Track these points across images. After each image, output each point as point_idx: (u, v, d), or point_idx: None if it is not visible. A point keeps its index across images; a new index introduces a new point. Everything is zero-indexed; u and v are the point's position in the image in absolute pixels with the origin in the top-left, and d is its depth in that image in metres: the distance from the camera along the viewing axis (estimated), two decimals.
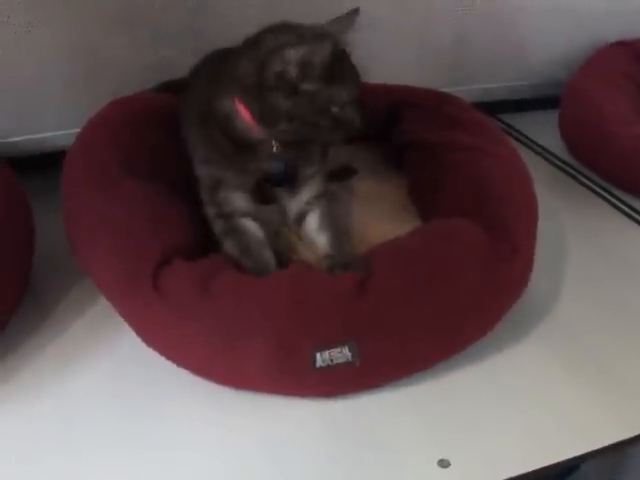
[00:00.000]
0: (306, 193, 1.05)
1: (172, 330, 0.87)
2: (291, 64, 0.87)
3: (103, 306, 0.97)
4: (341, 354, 0.82)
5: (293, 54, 0.87)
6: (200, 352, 0.86)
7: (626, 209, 1.37)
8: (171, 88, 1.28)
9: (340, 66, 0.90)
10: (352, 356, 0.83)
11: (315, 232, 1.04)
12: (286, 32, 0.93)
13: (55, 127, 1.32)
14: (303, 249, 1.06)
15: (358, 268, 0.91)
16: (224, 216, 1.02)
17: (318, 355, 0.82)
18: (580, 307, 1.08)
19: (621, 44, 1.63)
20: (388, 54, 1.51)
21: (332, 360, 0.82)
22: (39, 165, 1.25)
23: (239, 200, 1.01)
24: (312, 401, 0.88)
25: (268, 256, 0.99)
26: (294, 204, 1.06)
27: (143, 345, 0.91)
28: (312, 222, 1.05)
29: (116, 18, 1.27)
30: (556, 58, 1.69)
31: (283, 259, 1.02)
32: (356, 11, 0.93)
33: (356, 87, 0.92)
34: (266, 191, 1.04)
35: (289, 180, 1.03)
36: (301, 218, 1.06)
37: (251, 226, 1.02)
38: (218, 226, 1.02)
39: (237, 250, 1.00)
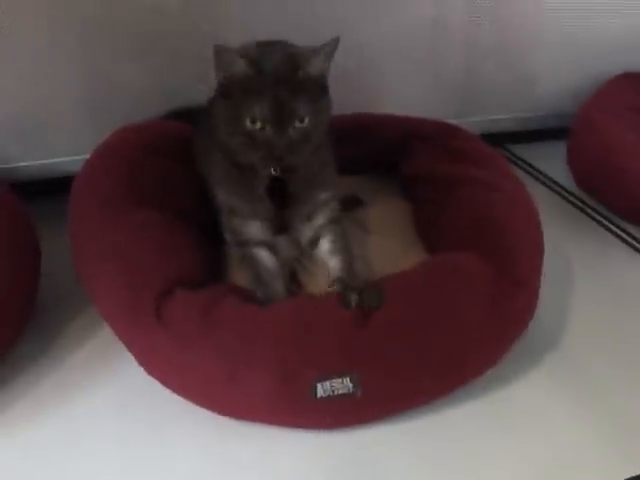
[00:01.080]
0: (320, 218, 1.05)
1: (173, 359, 0.87)
2: (220, 67, 0.90)
3: (106, 333, 0.97)
4: (342, 385, 0.82)
5: (224, 58, 0.89)
6: (201, 382, 0.87)
7: (632, 241, 1.37)
8: (182, 115, 1.29)
9: (265, 83, 0.88)
10: (353, 387, 0.82)
11: (327, 255, 1.04)
12: (253, 44, 0.95)
13: (66, 153, 1.33)
14: (309, 280, 1.06)
15: (371, 298, 0.90)
16: (239, 244, 1.04)
17: (319, 385, 0.82)
18: (586, 340, 1.07)
19: (628, 76, 1.64)
20: (398, 85, 1.54)
21: (333, 391, 0.82)
22: (49, 190, 1.26)
23: (253, 229, 1.02)
24: (313, 433, 0.88)
25: (278, 287, 1.00)
26: (308, 229, 1.06)
27: (145, 373, 0.91)
28: (325, 245, 1.05)
29: (128, 45, 1.28)
30: (564, 90, 1.70)
31: (295, 287, 1.04)
32: (334, 41, 0.91)
33: (278, 113, 0.89)
34: (279, 220, 1.04)
35: (295, 203, 1.03)
36: (314, 242, 1.06)
37: (265, 256, 1.03)
38: (234, 253, 1.05)
39: (249, 279, 1.01)
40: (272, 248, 1.04)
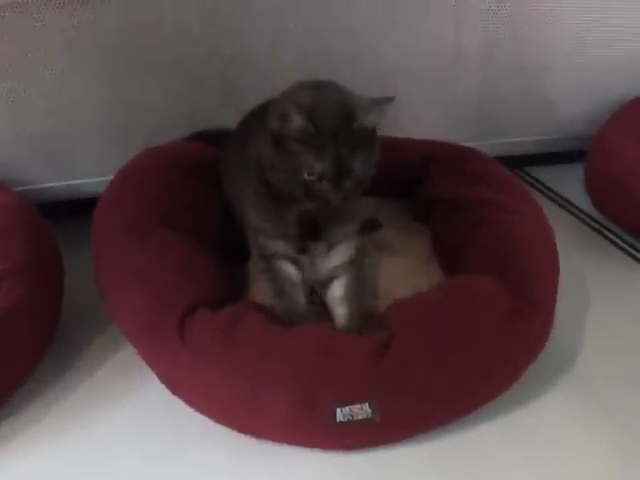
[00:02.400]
0: (338, 256, 1.05)
1: (196, 379, 0.88)
2: (274, 115, 0.90)
3: (127, 353, 1.00)
4: (362, 410, 0.83)
5: (277, 109, 0.89)
6: (222, 401, 0.88)
7: None
8: (204, 137, 1.31)
9: (324, 139, 0.88)
10: (372, 413, 0.83)
11: (337, 301, 1.03)
12: (301, 89, 0.95)
13: (89, 174, 1.36)
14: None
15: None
16: (265, 257, 1.04)
17: (339, 410, 0.83)
18: (602, 361, 1.07)
19: None
20: (416, 108, 1.55)
21: (352, 416, 0.83)
22: (73, 211, 1.28)
23: (279, 245, 1.03)
24: (332, 454, 0.88)
25: (300, 300, 1.01)
26: (325, 264, 1.05)
27: (168, 392, 0.92)
28: (337, 290, 1.04)
29: (151, 67, 1.31)
30: (582, 113, 1.70)
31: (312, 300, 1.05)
32: (390, 99, 0.91)
33: (336, 169, 0.89)
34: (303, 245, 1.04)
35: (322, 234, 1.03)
36: (329, 281, 1.06)
37: (289, 269, 1.03)
38: (259, 266, 1.05)
39: (272, 291, 1.02)
40: (296, 262, 1.04)
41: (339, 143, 0.89)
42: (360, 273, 1.06)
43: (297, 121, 0.87)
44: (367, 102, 0.92)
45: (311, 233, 1.00)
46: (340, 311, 1.02)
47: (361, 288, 1.05)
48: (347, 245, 1.04)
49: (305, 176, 0.90)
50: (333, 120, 0.89)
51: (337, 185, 0.90)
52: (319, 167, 0.89)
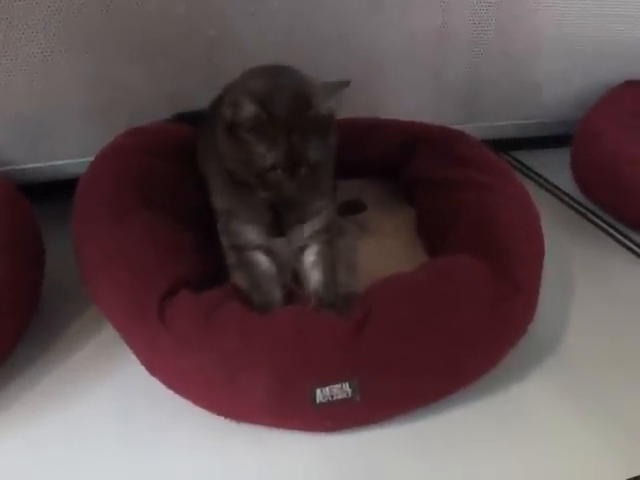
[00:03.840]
0: (309, 227, 1.03)
1: (175, 360, 0.88)
2: (226, 105, 0.89)
3: (108, 334, 0.99)
4: (341, 390, 0.83)
5: (230, 97, 0.88)
6: (202, 383, 0.87)
7: (634, 247, 1.37)
8: (187, 119, 1.29)
9: (277, 128, 0.87)
10: (352, 392, 0.83)
11: (309, 267, 1.02)
12: (255, 76, 0.94)
13: (71, 155, 1.34)
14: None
15: (342, 308, 0.91)
16: (237, 248, 1.03)
17: (318, 391, 0.83)
18: (586, 344, 1.08)
19: (633, 83, 1.63)
20: (403, 91, 1.55)
21: (332, 396, 0.83)
22: (54, 192, 1.26)
23: (251, 233, 1.01)
24: (313, 436, 0.88)
25: (275, 292, 1.00)
26: (298, 237, 1.04)
27: (147, 374, 0.91)
28: (309, 257, 1.03)
29: (134, 50, 1.29)
30: (568, 97, 1.70)
31: (291, 292, 1.03)
32: (346, 83, 0.90)
33: (290, 158, 0.88)
34: (277, 224, 1.03)
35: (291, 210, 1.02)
36: (301, 251, 1.05)
37: (262, 260, 1.02)
38: (231, 257, 1.05)
39: (247, 283, 1.01)
40: (269, 252, 1.03)
41: (293, 131, 0.87)
42: (333, 243, 1.05)
43: (249, 109, 0.86)
44: (323, 89, 0.90)
45: (277, 220, 1.00)
46: (314, 276, 1.00)
47: (334, 258, 1.04)
48: (318, 218, 1.03)
49: (259, 166, 0.88)
50: (287, 108, 0.88)
51: (291, 174, 0.89)
52: (272, 157, 0.88)
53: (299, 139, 0.88)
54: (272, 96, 0.88)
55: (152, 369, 0.91)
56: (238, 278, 1.04)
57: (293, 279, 1.07)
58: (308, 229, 1.03)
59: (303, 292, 1.03)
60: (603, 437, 0.90)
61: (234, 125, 0.89)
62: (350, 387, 0.83)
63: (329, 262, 1.02)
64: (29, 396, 0.94)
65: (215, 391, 0.87)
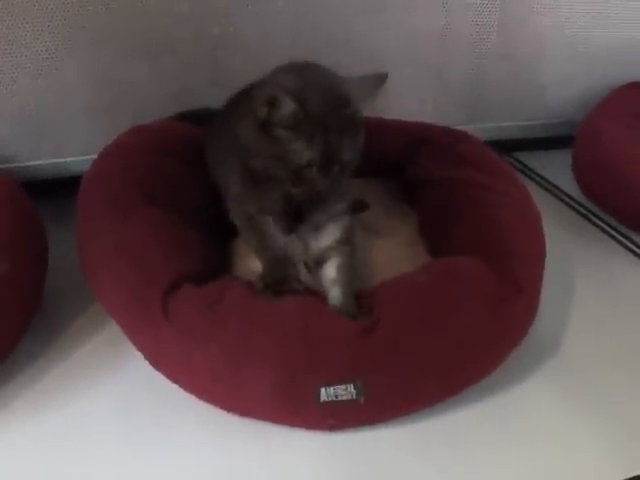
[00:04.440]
0: (330, 235, 1.02)
1: (179, 354, 0.88)
2: (261, 101, 0.87)
3: (111, 331, 0.99)
4: (346, 391, 0.83)
5: (265, 95, 0.86)
6: (205, 378, 0.87)
7: (636, 249, 1.37)
8: (191, 117, 1.30)
9: (314, 126, 0.86)
10: (357, 394, 0.83)
11: (330, 283, 0.99)
12: (287, 73, 0.92)
13: (75, 152, 1.35)
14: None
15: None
16: (246, 213, 1.02)
17: (323, 390, 0.83)
18: (587, 345, 1.08)
19: (635, 85, 1.64)
20: (406, 91, 1.55)
21: (337, 396, 0.83)
22: (59, 190, 1.27)
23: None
24: (316, 434, 0.88)
25: (281, 253, 0.99)
26: (316, 244, 1.02)
27: (151, 369, 0.92)
28: (329, 272, 1.01)
29: (138, 47, 1.29)
30: (571, 98, 1.71)
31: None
32: (384, 76, 0.90)
33: (325, 156, 0.88)
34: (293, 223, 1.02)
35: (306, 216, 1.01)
36: (320, 262, 1.03)
37: (271, 224, 1.00)
38: (241, 218, 1.04)
39: (254, 243, 1.02)
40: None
41: (330, 130, 0.87)
42: (354, 254, 1.04)
43: (288, 107, 0.85)
44: (360, 86, 0.90)
45: (295, 215, 0.99)
46: (334, 293, 0.98)
47: (355, 271, 1.03)
48: (336, 225, 1.02)
49: (294, 163, 0.88)
50: (324, 106, 0.87)
51: (326, 172, 0.89)
52: (309, 155, 0.87)
53: (335, 137, 0.87)
54: (307, 93, 0.87)
55: (156, 363, 0.91)
56: (247, 267, 1.04)
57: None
58: (329, 238, 1.02)
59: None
60: (604, 437, 0.91)
61: (269, 123, 0.88)
62: (355, 389, 0.83)
63: (350, 279, 1.00)
64: (32, 392, 0.94)
65: (219, 385, 0.87)
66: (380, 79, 0.90)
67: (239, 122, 0.96)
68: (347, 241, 1.03)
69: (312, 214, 0.99)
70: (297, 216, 0.99)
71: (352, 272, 1.01)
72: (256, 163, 0.93)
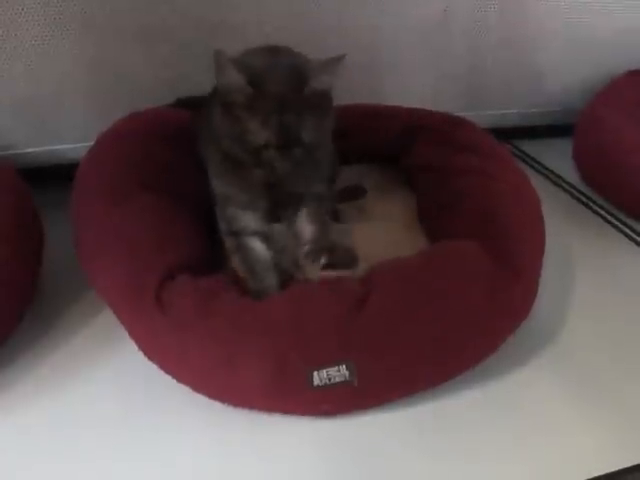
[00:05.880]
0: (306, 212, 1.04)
1: (172, 345, 0.87)
2: (218, 76, 0.87)
3: (106, 319, 0.99)
4: (339, 373, 0.83)
5: (227, 73, 0.86)
6: (198, 369, 0.87)
7: (636, 237, 1.37)
8: (188, 104, 1.29)
9: (270, 105, 0.86)
10: (350, 375, 0.83)
11: (303, 225, 1.03)
12: (251, 54, 0.93)
13: (72, 140, 1.34)
14: (307, 267, 1.06)
15: (342, 259, 0.90)
16: (233, 233, 1.03)
17: (315, 374, 0.82)
18: (586, 333, 1.08)
19: (636, 73, 1.63)
20: (405, 78, 1.54)
21: (330, 379, 0.82)
22: (55, 177, 1.26)
23: (247, 219, 1.02)
24: (310, 420, 0.88)
25: (270, 279, 1.00)
26: (298, 217, 1.05)
27: (144, 358, 0.91)
28: (302, 217, 1.03)
29: (135, 34, 1.28)
30: (571, 86, 1.70)
31: (286, 276, 1.02)
32: (340, 58, 0.88)
33: (283, 137, 0.87)
34: (275, 209, 1.03)
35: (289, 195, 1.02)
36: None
37: (258, 247, 1.02)
38: (228, 242, 1.04)
39: (243, 269, 1.01)
40: (266, 239, 1.03)
41: (287, 109, 0.86)
42: (324, 207, 1.06)
43: (238, 81, 0.85)
44: (318, 65, 0.89)
45: (274, 205, 1.00)
46: (307, 230, 1.00)
47: (326, 218, 1.05)
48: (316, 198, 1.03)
49: (252, 144, 0.88)
50: (281, 85, 0.87)
51: (284, 153, 0.88)
52: (264, 135, 0.87)
53: (293, 117, 0.87)
54: (265, 71, 0.87)
55: (149, 353, 0.91)
56: (235, 263, 1.04)
57: (293, 264, 1.07)
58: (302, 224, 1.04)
59: (302, 277, 1.02)
60: (603, 425, 0.90)
61: (228, 103, 0.88)
62: (347, 370, 0.83)
63: (321, 218, 1.02)
64: (27, 380, 0.94)
65: (212, 376, 0.86)
66: (338, 59, 0.88)
67: (211, 107, 0.96)
68: (321, 200, 1.05)
69: (288, 198, 1.00)
70: (274, 204, 0.99)
71: (323, 217, 1.04)
72: (223, 145, 0.93)
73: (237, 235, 1.03)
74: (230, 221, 1.03)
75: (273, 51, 0.94)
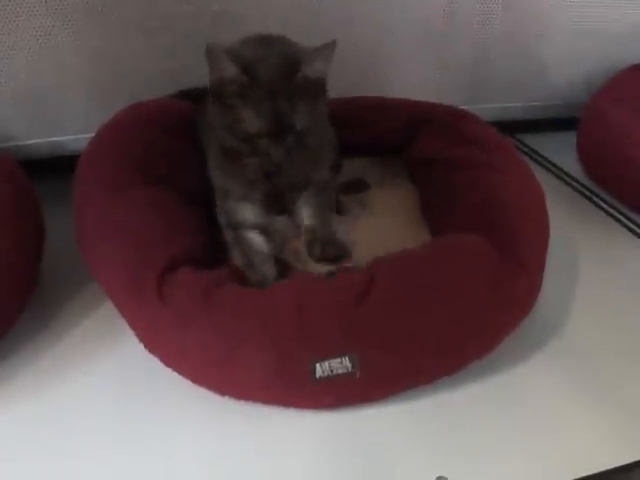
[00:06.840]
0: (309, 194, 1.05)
1: (173, 337, 0.87)
2: (211, 68, 0.89)
3: (107, 311, 0.99)
4: (341, 365, 0.82)
5: (222, 64, 0.87)
6: (200, 361, 0.86)
7: (639, 230, 1.36)
8: (190, 96, 1.29)
9: (262, 93, 0.86)
10: (352, 367, 0.82)
11: (305, 215, 1.03)
12: (244, 43, 0.94)
13: (73, 131, 1.34)
14: (308, 259, 1.06)
15: (331, 251, 0.92)
16: (232, 226, 1.03)
17: (318, 365, 0.82)
18: (589, 327, 1.07)
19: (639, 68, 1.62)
20: (409, 70, 1.54)
21: (332, 371, 0.82)
22: (57, 168, 1.26)
23: (246, 212, 1.02)
24: (312, 413, 0.88)
25: (269, 271, 1.00)
26: (299, 209, 1.05)
27: (145, 351, 0.91)
28: (305, 209, 1.04)
29: (136, 25, 1.28)
30: (575, 79, 1.69)
31: (287, 268, 1.03)
32: (332, 44, 0.89)
33: (276, 124, 0.88)
34: (274, 201, 1.03)
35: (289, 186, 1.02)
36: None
37: (257, 240, 1.03)
38: (227, 235, 1.04)
39: (242, 261, 1.01)
40: (265, 232, 1.04)
41: (279, 96, 0.86)
42: (328, 195, 1.07)
43: (231, 70, 0.86)
44: (311, 52, 0.89)
45: (273, 196, 1.00)
46: (310, 220, 1.01)
47: (329, 207, 1.05)
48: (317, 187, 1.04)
49: (245, 132, 0.88)
50: (273, 72, 0.87)
51: (277, 141, 0.89)
52: (257, 123, 0.87)
53: (286, 104, 0.87)
54: (257, 59, 0.88)
55: (150, 346, 0.91)
56: (234, 256, 1.04)
57: (293, 256, 1.07)
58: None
59: (302, 268, 1.02)
60: (606, 420, 0.90)
61: (221, 92, 0.88)
62: (350, 361, 0.82)
63: (324, 207, 1.03)
64: (28, 372, 0.94)
65: (214, 368, 0.86)
66: (330, 46, 0.89)
67: (209, 99, 0.96)
68: (324, 189, 1.06)
69: (286, 187, 1.00)
70: (273, 194, 1.00)
71: (326, 206, 1.05)
72: (218, 135, 0.94)
73: (235, 228, 1.03)
74: (229, 214, 1.03)
75: (266, 40, 0.95)
